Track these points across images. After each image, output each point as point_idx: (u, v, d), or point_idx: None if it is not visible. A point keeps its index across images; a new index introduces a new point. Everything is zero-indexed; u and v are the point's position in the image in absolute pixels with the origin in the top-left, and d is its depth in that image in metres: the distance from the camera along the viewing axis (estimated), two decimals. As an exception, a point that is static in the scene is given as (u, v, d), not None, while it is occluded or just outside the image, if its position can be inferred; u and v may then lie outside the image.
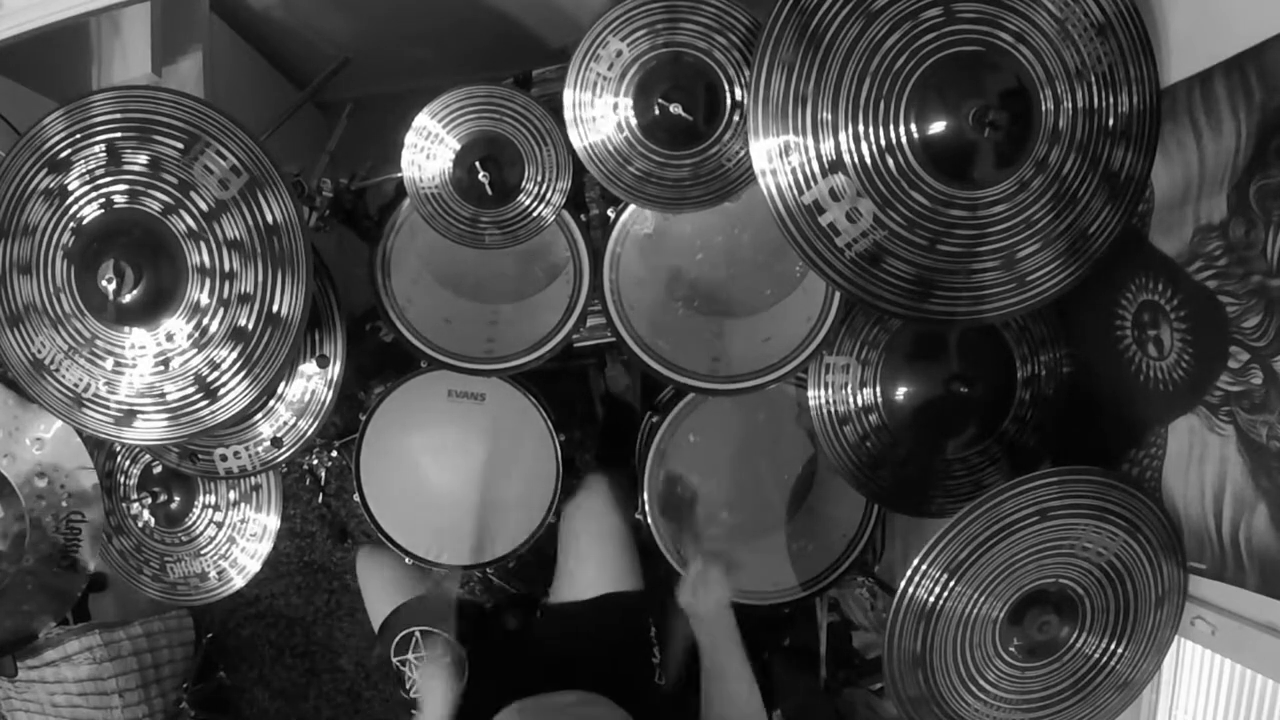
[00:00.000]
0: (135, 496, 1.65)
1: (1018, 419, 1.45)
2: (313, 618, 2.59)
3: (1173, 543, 1.22)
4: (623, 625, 1.49)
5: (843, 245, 1.15)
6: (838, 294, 1.40)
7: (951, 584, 1.18)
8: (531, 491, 1.67)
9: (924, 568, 1.17)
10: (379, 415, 1.65)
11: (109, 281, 1.17)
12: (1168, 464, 1.23)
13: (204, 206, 1.20)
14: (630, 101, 1.32)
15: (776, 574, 1.66)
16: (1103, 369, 1.37)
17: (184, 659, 2.36)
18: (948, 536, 1.16)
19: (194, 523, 1.68)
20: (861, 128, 1.11)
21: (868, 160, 1.12)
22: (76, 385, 1.26)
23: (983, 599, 1.20)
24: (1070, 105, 1.12)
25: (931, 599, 1.19)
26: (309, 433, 1.50)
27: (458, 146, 1.41)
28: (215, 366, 1.23)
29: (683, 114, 1.29)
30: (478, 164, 1.38)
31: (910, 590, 1.18)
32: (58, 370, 1.25)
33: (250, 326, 1.22)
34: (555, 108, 1.36)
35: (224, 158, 1.19)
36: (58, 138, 1.20)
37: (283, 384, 1.49)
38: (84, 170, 1.20)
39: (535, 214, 1.44)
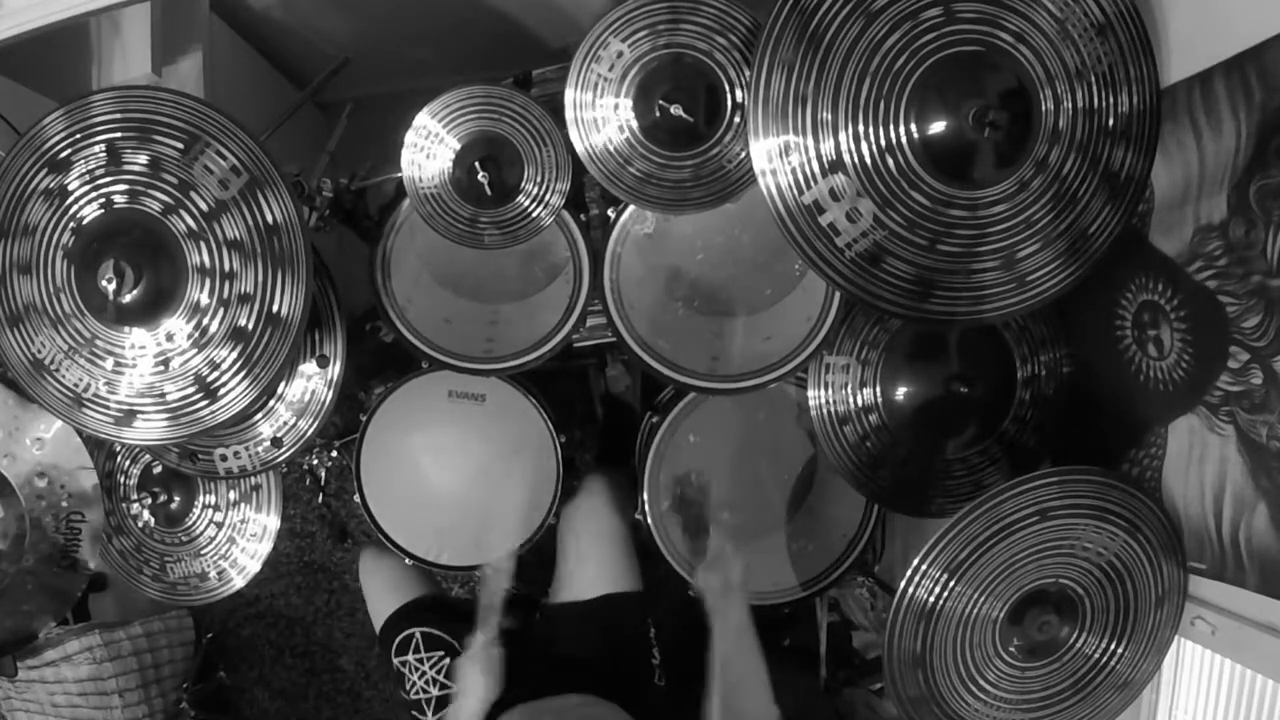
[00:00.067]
0: (135, 496, 1.65)
1: (1018, 419, 1.45)
2: (313, 618, 2.59)
3: (1173, 543, 1.22)
4: (623, 626, 1.49)
5: (843, 245, 1.15)
6: (838, 294, 1.40)
7: (951, 584, 1.18)
8: (531, 492, 1.67)
9: (924, 568, 1.17)
10: (379, 415, 1.65)
11: (109, 281, 1.17)
12: (1168, 464, 1.23)
13: (204, 206, 1.20)
14: (631, 103, 1.32)
15: (776, 574, 1.66)
16: (1103, 369, 1.37)
17: (184, 659, 2.37)
18: (948, 536, 1.16)
19: (194, 523, 1.68)
20: (861, 128, 1.11)
21: (868, 160, 1.12)
22: (76, 385, 1.26)
23: (983, 599, 1.20)
24: (1070, 105, 1.12)
25: (931, 599, 1.19)
26: (309, 433, 1.50)
27: (457, 146, 1.41)
28: (215, 366, 1.23)
29: (683, 115, 1.29)
30: (477, 164, 1.38)
31: (910, 590, 1.18)
32: (58, 370, 1.25)
33: (250, 326, 1.22)
34: (555, 108, 1.36)
35: (224, 158, 1.19)
36: (58, 138, 1.20)
37: (283, 384, 1.49)
38: (84, 170, 1.20)
39: (535, 214, 1.44)
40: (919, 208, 1.13)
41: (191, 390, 1.25)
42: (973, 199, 1.13)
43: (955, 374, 1.38)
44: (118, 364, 1.24)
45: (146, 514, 1.66)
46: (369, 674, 2.58)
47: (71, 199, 1.20)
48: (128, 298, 1.20)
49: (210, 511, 1.69)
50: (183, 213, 1.20)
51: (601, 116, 1.33)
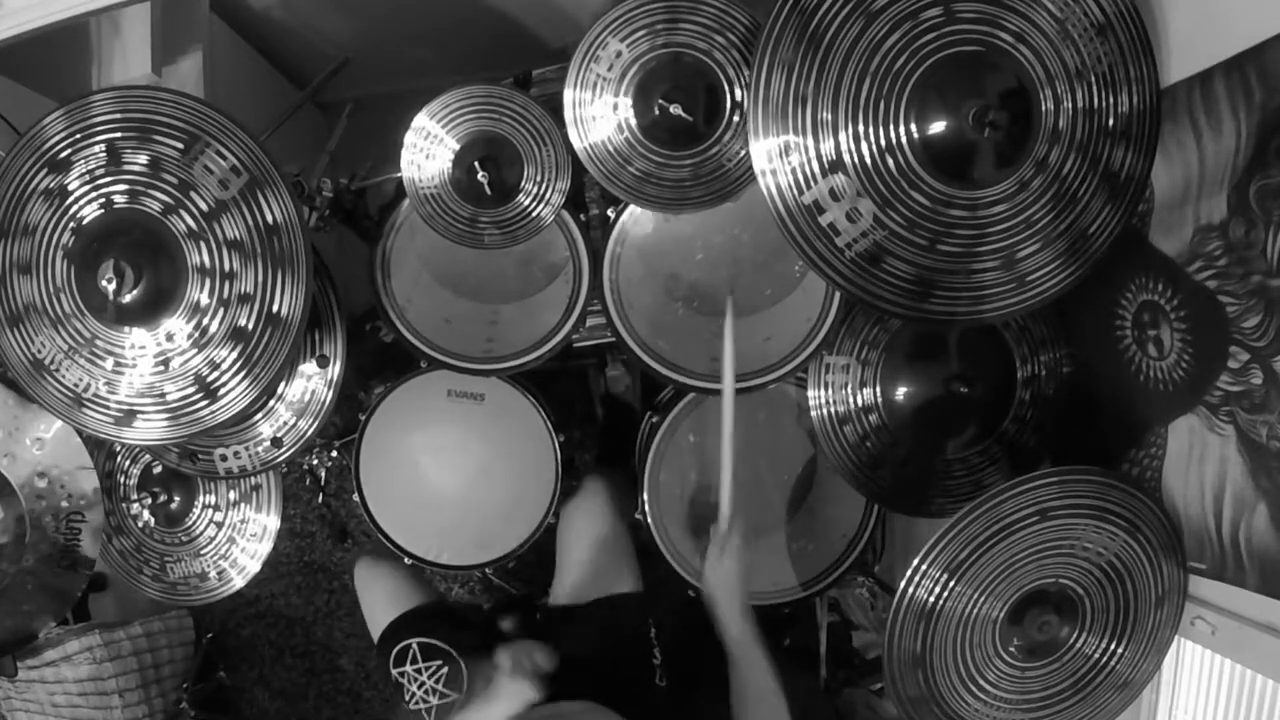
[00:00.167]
0: (135, 496, 1.65)
1: (1018, 419, 1.45)
2: (313, 618, 2.59)
3: (1173, 543, 1.22)
4: (622, 626, 1.49)
5: (843, 245, 1.15)
6: (838, 294, 1.40)
7: (951, 584, 1.18)
8: (531, 492, 1.67)
9: (924, 568, 1.17)
10: (379, 415, 1.65)
11: (109, 281, 1.17)
12: (1168, 464, 1.23)
13: (204, 206, 1.20)
14: (630, 102, 1.32)
15: (776, 574, 1.66)
16: (1103, 369, 1.37)
17: (184, 659, 2.37)
18: (948, 536, 1.16)
19: (194, 523, 1.68)
20: (861, 128, 1.11)
21: (868, 160, 1.12)
22: (76, 385, 1.26)
23: (983, 599, 1.20)
24: (1070, 105, 1.12)
25: (931, 599, 1.19)
26: (309, 433, 1.50)
27: (457, 146, 1.41)
28: (215, 366, 1.23)
29: (683, 114, 1.29)
30: (477, 164, 1.38)
31: (910, 590, 1.18)
32: (58, 370, 1.25)
33: (250, 326, 1.22)
34: (555, 108, 1.36)
35: (224, 158, 1.19)
36: (58, 138, 1.20)
37: (283, 384, 1.49)
38: (84, 170, 1.20)
39: (534, 214, 1.44)
40: (919, 208, 1.13)
41: (191, 390, 1.25)
42: (973, 199, 1.13)
43: (955, 374, 1.38)
44: (118, 364, 1.24)
45: (146, 514, 1.66)
46: (369, 674, 2.58)
47: (71, 199, 1.20)
48: (128, 298, 1.19)
49: (210, 511, 1.69)
50: (183, 213, 1.20)
51: (601, 116, 1.33)
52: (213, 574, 1.70)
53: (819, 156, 1.12)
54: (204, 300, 1.21)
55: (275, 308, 1.21)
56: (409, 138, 1.40)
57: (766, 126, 1.13)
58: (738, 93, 1.30)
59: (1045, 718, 1.28)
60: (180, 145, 1.19)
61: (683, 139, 1.32)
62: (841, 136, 1.12)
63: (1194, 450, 1.18)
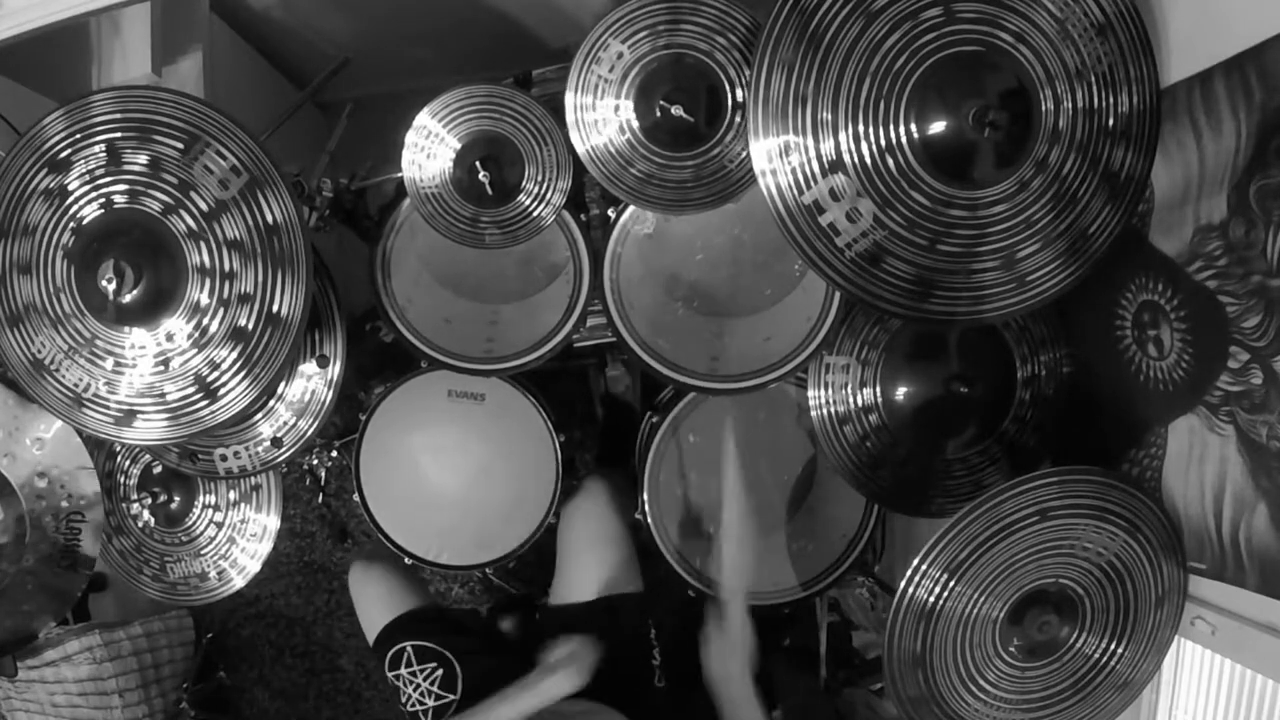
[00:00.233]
0: (135, 496, 1.65)
1: (1018, 419, 1.45)
2: (313, 618, 2.59)
3: (1173, 543, 1.22)
4: (622, 627, 1.49)
5: (843, 245, 1.15)
6: (838, 294, 1.40)
7: (951, 584, 1.18)
8: (531, 492, 1.67)
9: (924, 568, 1.17)
10: (379, 415, 1.65)
11: (109, 281, 1.17)
12: (1168, 464, 1.23)
13: (204, 206, 1.20)
14: (631, 104, 1.32)
15: (776, 574, 1.66)
16: (1103, 369, 1.37)
17: (184, 659, 2.37)
18: (948, 536, 1.16)
19: (194, 523, 1.68)
20: (861, 128, 1.11)
21: (868, 160, 1.12)
22: (76, 385, 1.26)
23: (983, 599, 1.20)
24: (1070, 105, 1.12)
25: (931, 599, 1.19)
26: (309, 433, 1.50)
27: (458, 146, 1.41)
28: (215, 366, 1.23)
29: (684, 116, 1.29)
30: (478, 164, 1.38)
31: (910, 590, 1.18)
32: (58, 370, 1.25)
33: (250, 326, 1.22)
34: (555, 107, 1.36)
35: (224, 158, 1.19)
36: (58, 138, 1.20)
37: (283, 384, 1.49)
38: (84, 170, 1.19)
39: (535, 214, 1.44)
40: (919, 208, 1.13)
41: (191, 390, 1.25)
42: (973, 199, 1.13)
43: (955, 374, 1.38)
44: (118, 364, 1.24)
45: (146, 514, 1.66)
46: (369, 674, 2.58)
47: (71, 199, 1.20)
48: (128, 298, 1.19)
49: (210, 511, 1.69)
50: (183, 213, 1.20)
51: (602, 118, 1.33)
52: (213, 574, 1.70)
53: (819, 156, 1.12)
54: (204, 300, 1.21)
55: (275, 308, 1.21)
56: (410, 137, 1.40)
57: (766, 126, 1.13)
58: (739, 94, 1.30)
59: (1045, 718, 1.28)
60: (180, 145, 1.19)
61: (684, 140, 1.32)
62: (841, 136, 1.12)
63: (1194, 450, 1.18)
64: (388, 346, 1.59)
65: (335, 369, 1.48)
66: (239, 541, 1.69)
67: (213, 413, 1.25)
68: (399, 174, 1.44)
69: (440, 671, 1.49)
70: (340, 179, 1.57)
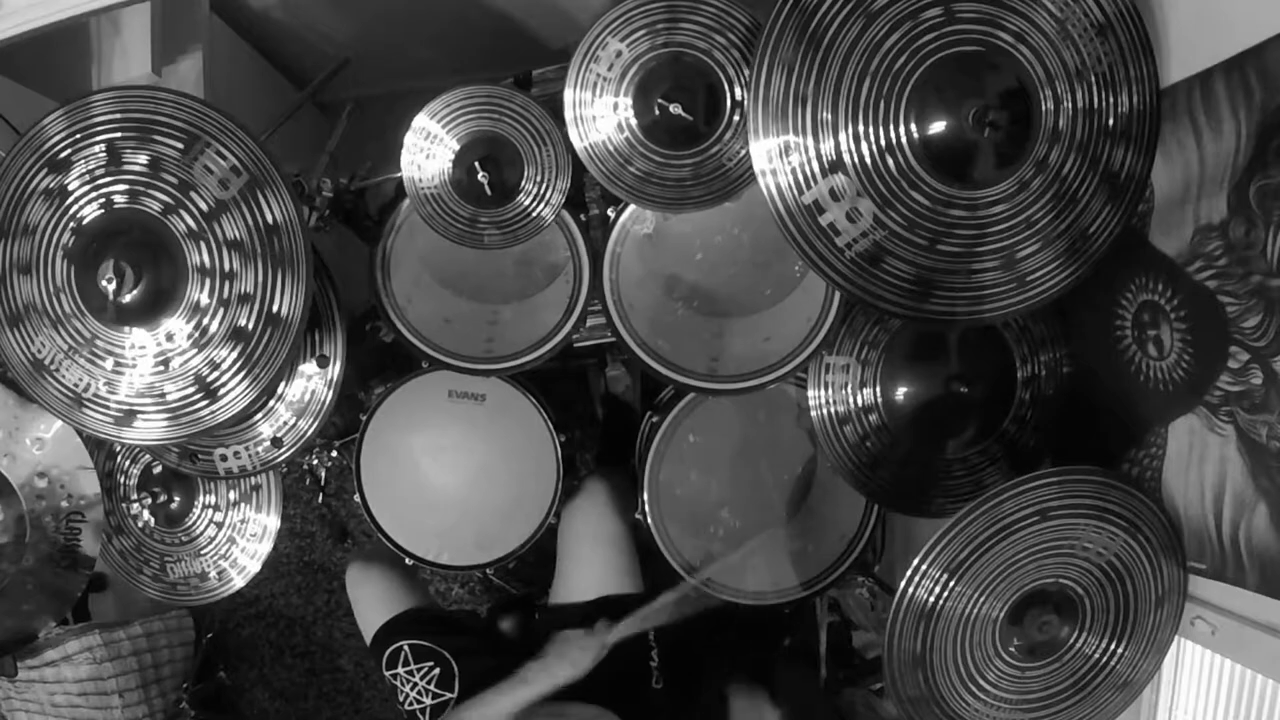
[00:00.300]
0: (135, 496, 1.65)
1: (1018, 419, 1.45)
2: (313, 618, 2.59)
3: (1173, 543, 1.22)
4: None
5: (843, 245, 1.15)
6: (838, 294, 1.40)
7: (951, 584, 1.18)
8: (532, 492, 1.67)
9: (924, 568, 1.17)
10: (379, 415, 1.65)
11: (109, 281, 1.17)
12: (1168, 464, 1.23)
13: (204, 206, 1.20)
14: (630, 102, 1.32)
15: (776, 574, 1.66)
16: (1103, 369, 1.37)
17: (184, 659, 2.37)
18: (948, 536, 1.16)
19: (194, 523, 1.68)
20: (861, 128, 1.11)
21: (868, 160, 1.12)
22: (76, 385, 1.26)
23: (983, 599, 1.20)
24: (1070, 105, 1.12)
25: (931, 599, 1.19)
26: (309, 433, 1.50)
27: (457, 146, 1.41)
28: (215, 366, 1.23)
29: (683, 114, 1.29)
30: (477, 164, 1.38)
31: (910, 590, 1.18)
32: (58, 370, 1.25)
33: (250, 326, 1.22)
34: (555, 108, 1.36)
35: (224, 158, 1.19)
36: (58, 138, 1.20)
37: (283, 384, 1.49)
38: (84, 170, 1.19)
39: (535, 214, 1.44)
40: (919, 208, 1.13)
41: (191, 390, 1.25)
42: (973, 199, 1.13)
43: (955, 374, 1.38)
44: (118, 364, 1.24)
45: (146, 514, 1.66)
46: (369, 674, 2.58)
47: (71, 199, 1.20)
48: (128, 298, 1.19)
49: (210, 511, 1.69)
50: (183, 213, 1.20)
51: (601, 116, 1.33)
52: (213, 574, 1.70)
53: (819, 156, 1.12)
54: (204, 300, 1.21)
55: (275, 308, 1.21)
56: (409, 137, 1.40)
57: (766, 126, 1.13)
58: (738, 92, 1.30)
59: (1045, 718, 1.28)
60: (180, 145, 1.19)
61: (683, 139, 1.32)
62: (841, 136, 1.12)
63: (1194, 450, 1.18)
64: (388, 346, 1.59)
65: (335, 369, 1.48)
66: (239, 541, 1.69)
67: (213, 413, 1.25)
68: (399, 174, 1.44)
69: (437, 670, 1.49)
70: (340, 179, 1.57)
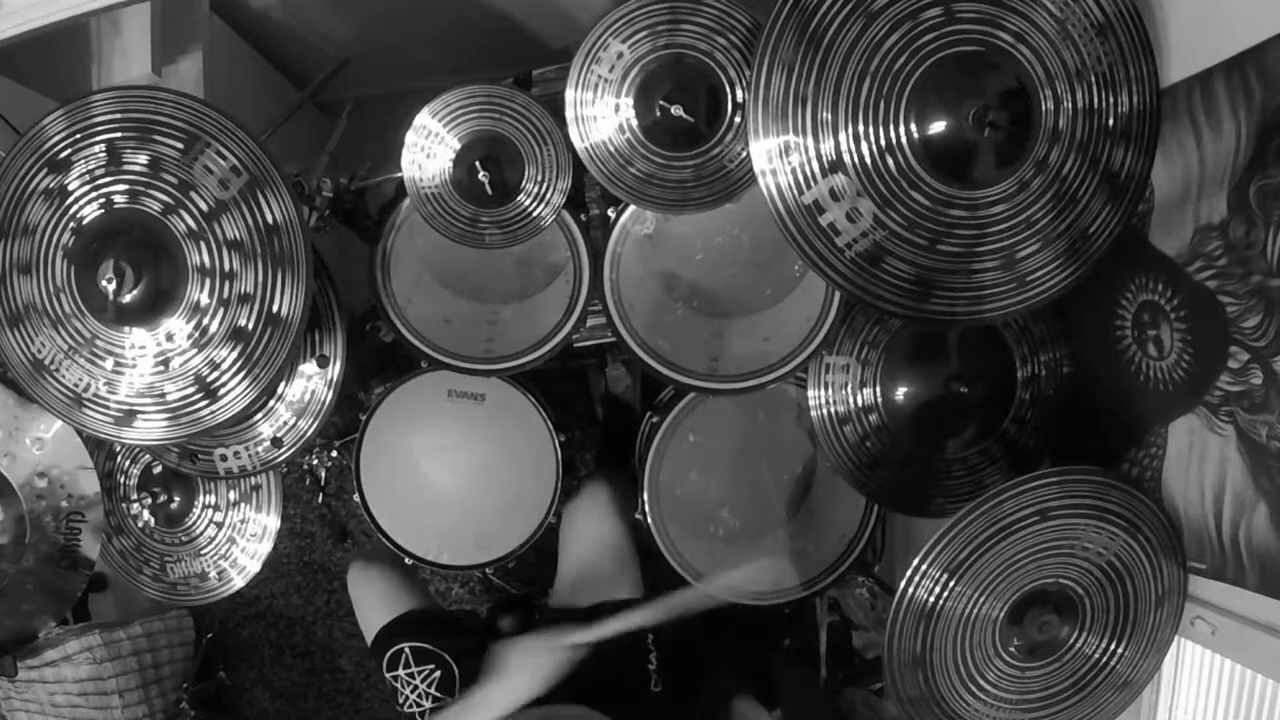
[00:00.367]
0: (135, 496, 1.65)
1: (1018, 419, 1.45)
2: (313, 618, 2.59)
3: (1173, 543, 1.22)
4: (620, 634, 1.48)
5: (843, 245, 1.15)
6: (838, 294, 1.40)
7: (951, 584, 1.18)
8: (531, 492, 1.67)
9: (924, 568, 1.17)
10: (379, 415, 1.65)
11: (109, 281, 1.17)
12: (1168, 464, 1.23)
13: (204, 206, 1.20)
14: (631, 103, 1.32)
15: (776, 574, 1.66)
16: (1103, 369, 1.37)
17: (184, 659, 2.36)
18: (948, 536, 1.16)
19: (194, 523, 1.68)
20: (861, 128, 1.11)
21: (868, 160, 1.12)
22: (76, 385, 1.26)
23: (983, 599, 1.20)
24: (1070, 105, 1.12)
25: (931, 599, 1.19)
26: (309, 433, 1.50)
27: (458, 146, 1.41)
28: (215, 366, 1.23)
29: (684, 116, 1.29)
30: (478, 164, 1.38)
31: (910, 590, 1.18)
32: (58, 370, 1.25)
33: (250, 326, 1.22)
34: (555, 108, 1.36)
35: (224, 158, 1.19)
36: (58, 138, 1.20)
37: (283, 384, 1.49)
38: (84, 170, 1.19)
39: (535, 214, 1.44)
40: (919, 208, 1.13)
41: (191, 390, 1.25)
42: (973, 199, 1.13)
43: (955, 374, 1.38)
44: (118, 364, 1.24)
45: (146, 514, 1.66)
46: (369, 674, 2.58)
47: (71, 199, 1.20)
48: (128, 298, 1.19)
49: (210, 511, 1.69)
50: (183, 213, 1.20)
51: (602, 117, 1.33)
52: (213, 574, 1.70)
53: (819, 156, 1.12)
54: (204, 300, 1.21)
55: (275, 308, 1.21)
56: (410, 137, 1.40)
57: (767, 127, 1.13)
58: (739, 94, 1.30)
59: (1045, 718, 1.28)
60: (180, 145, 1.19)
61: (684, 140, 1.32)
62: (841, 136, 1.12)
63: (1194, 450, 1.18)
64: (388, 346, 1.59)
65: (335, 369, 1.48)
66: (239, 541, 1.69)
67: (213, 413, 1.25)
68: (399, 174, 1.44)
69: (438, 673, 1.49)
70: (340, 179, 1.57)
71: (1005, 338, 1.42)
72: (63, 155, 1.20)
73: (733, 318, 1.59)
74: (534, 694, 1.22)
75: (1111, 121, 1.13)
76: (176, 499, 1.67)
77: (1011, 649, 1.24)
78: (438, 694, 1.48)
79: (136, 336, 1.23)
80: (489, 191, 1.40)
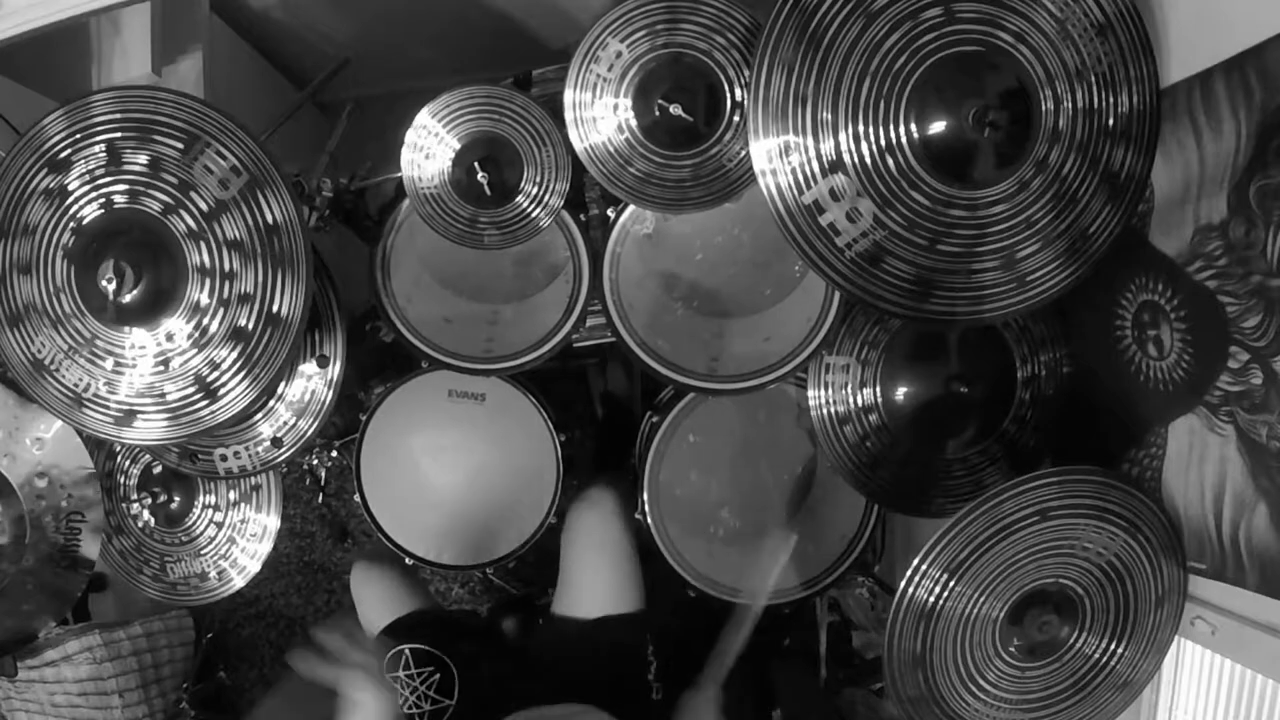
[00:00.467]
0: (135, 496, 1.65)
1: (1018, 419, 1.45)
2: (313, 618, 2.59)
3: (1173, 543, 1.22)
4: (620, 647, 1.48)
5: (843, 245, 1.15)
6: (838, 294, 1.40)
7: (951, 584, 1.18)
8: (532, 492, 1.67)
9: (924, 568, 1.17)
10: (379, 415, 1.65)
11: (109, 281, 1.17)
12: (1168, 464, 1.23)
13: (204, 206, 1.20)
14: (630, 103, 1.32)
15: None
16: (1103, 369, 1.37)
17: (184, 659, 2.36)
18: (948, 536, 1.16)
19: (194, 523, 1.68)
20: (861, 128, 1.11)
21: (868, 160, 1.12)
22: (76, 385, 1.26)
23: (983, 599, 1.20)
24: (1070, 105, 1.12)
25: (931, 599, 1.19)
26: (309, 433, 1.50)
27: (457, 146, 1.41)
28: (215, 366, 1.23)
29: (683, 115, 1.29)
30: (477, 164, 1.38)
31: (910, 590, 1.18)
32: (58, 370, 1.25)
33: (250, 326, 1.22)
34: (555, 108, 1.36)
35: (224, 158, 1.19)
36: (58, 138, 1.20)
37: (283, 384, 1.49)
38: (84, 170, 1.19)
39: (534, 214, 1.44)
40: (919, 208, 1.13)
41: (191, 390, 1.25)
42: (973, 199, 1.13)
43: (955, 374, 1.38)
44: (118, 364, 1.24)
45: (146, 514, 1.66)
46: (369, 674, 2.57)
47: (71, 199, 1.20)
48: (128, 298, 1.19)
49: (210, 511, 1.69)
50: (183, 213, 1.20)
51: (601, 117, 1.33)
52: (213, 574, 1.70)
53: (819, 156, 1.12)
54: (204, 300, 1.21)
55: (275, 308, 1.21)
56: (410, 137, 1.40)
57: (766, 126, 1.13)
58: (738, 93, 1.30)
59: (1045, 718, 1.28)
60: (180, 145, 1.19)
61: (683, 139, 1.32)
62: (841, 136, 1.12)
63: (1194, 450, 1.18)
64: (388, 346, 1.59)
65: (335, 369, 1.48)
66: (239, 541, 1.69)
67: (213, 413, 1.25)
68: (399, 174, 1.44)
69: (438, 676, 1.49)
70: (340, 179, 1.57)
71: (1005, 338, 1.42)
72: (63, 155, 1.20)
73: (732, 318, 1.59)
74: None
75: (1111, 121, 1.13)
76: (176, 499, 1.67)
77: (1011, 649, 1.24)
78: (437, 696, 1.48)
79: (136, 336, 1.23)
80: (488, 192, 1.40)
